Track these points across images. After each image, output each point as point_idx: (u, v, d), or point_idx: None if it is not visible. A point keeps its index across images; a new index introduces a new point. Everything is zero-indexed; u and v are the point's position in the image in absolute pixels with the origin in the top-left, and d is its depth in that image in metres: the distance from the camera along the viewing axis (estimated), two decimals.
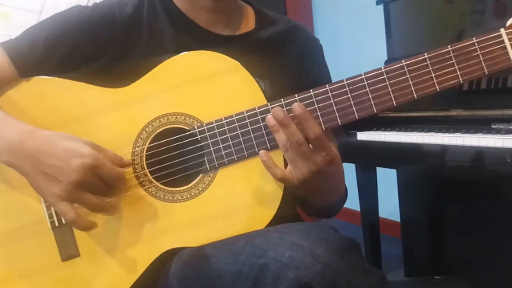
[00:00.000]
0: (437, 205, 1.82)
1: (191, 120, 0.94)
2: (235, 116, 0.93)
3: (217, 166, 0.94)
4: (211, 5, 1.04)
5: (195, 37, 1.04)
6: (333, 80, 0.96)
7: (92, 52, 1.00)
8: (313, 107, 0.92)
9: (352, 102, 0.91)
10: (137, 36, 1.02)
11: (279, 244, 0.80)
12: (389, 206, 2.12)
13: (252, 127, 0.93)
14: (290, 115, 0.88)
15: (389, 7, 1.84)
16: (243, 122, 0.93)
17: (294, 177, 0.89)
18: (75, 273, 0.95)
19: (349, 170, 1.69)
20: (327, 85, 0.92)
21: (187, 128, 0.94)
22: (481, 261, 1.62)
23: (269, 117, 0.88)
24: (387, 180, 1.88)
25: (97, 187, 0.88)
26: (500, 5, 1.43)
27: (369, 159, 1.63)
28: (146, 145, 0.95)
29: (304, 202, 1.05)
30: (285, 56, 1.10)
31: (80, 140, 0.89)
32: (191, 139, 0.94)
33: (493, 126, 1.22)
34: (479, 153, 1.20)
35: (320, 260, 0.76)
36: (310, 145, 0.88)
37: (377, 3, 1.88)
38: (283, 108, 0.91)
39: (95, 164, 0.87)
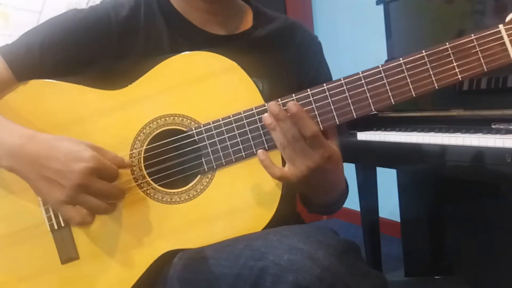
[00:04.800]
0: (437, 205, 1.82)
1: (189, 121, 0.94)
2: (233, 116, 0.92)
3: (215, 167, 0.93)
4: (206, 6, 1.04)
5: (191, 38, 1.03)
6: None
7: (88, 56, 0.99)
8: (310, 107, 0.91)
9: (350, 101, 0.91)
10: (134, 38, 1.01)
11: (278, 247, 0.79)
12: (389, 206, 2.13)
13: (249, 128, 0.92)
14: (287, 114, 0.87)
15: (389, 7, 1.84)
16: (240, 122, 0.92)
17: (292, 175, 0.88)
18: (75, 276, 0.95)
19: (349, 170, 1.69)
20: (324, 84, 0.91)
21: (185, 130, 0.94)
22: (481, 261, 1.62)
23: (266, 115, 0.88)
24: (387, 180, 1.88)
25: (99, 189, 0.88)
26: (500, 5, 1.43)
27: (369, 159, 1.63)
28: (144, 147, 0.95)
29: (305, 199, 1.05)
30: (283, 54, 1.10)
31: (81, 142, 0.89)
32: (188, 140, 0.94)
33: (493, 126, 1.22)
34: (479, 153, 1.20)
35: (319, 263, 0.76)
36: (308, 142, 0.87)
37: (377, 3, 1.87)
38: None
39: (97, 167, 0.87)
